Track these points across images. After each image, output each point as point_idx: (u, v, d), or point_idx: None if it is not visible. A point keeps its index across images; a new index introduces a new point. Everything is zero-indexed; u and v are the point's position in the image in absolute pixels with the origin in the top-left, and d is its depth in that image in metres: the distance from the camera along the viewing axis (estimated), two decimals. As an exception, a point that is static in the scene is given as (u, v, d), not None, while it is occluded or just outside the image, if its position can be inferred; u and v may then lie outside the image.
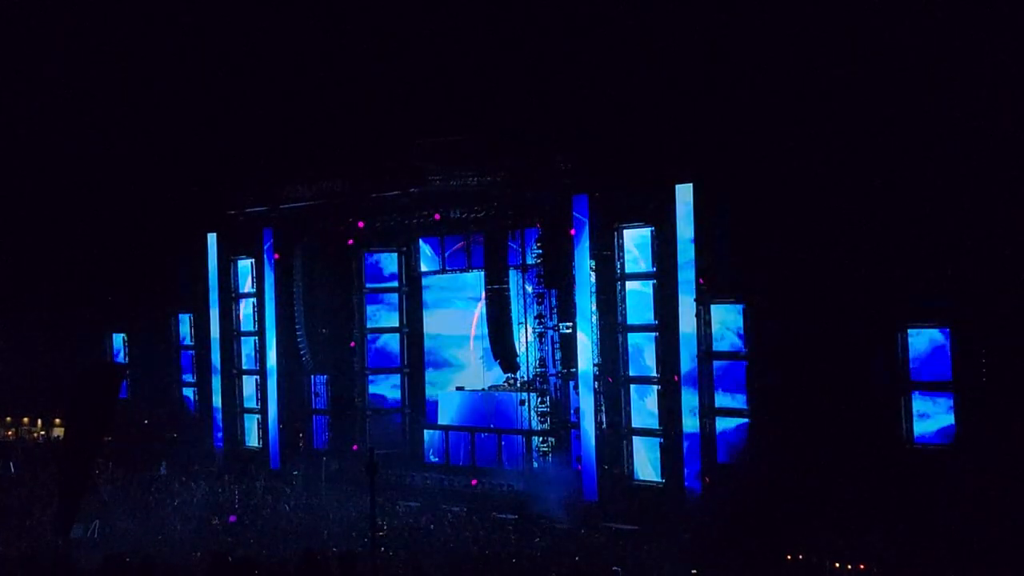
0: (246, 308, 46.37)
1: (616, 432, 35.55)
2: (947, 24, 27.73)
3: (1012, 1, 27.51)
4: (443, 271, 44.06)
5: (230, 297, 46.88)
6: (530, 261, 39.29)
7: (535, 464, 38.36)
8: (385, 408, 44.32)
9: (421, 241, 44.24)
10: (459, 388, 42.92)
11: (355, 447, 41.36)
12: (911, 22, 28.39)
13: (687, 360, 33.26)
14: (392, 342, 44.71)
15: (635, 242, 35.40)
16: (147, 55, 45.33)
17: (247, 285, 46.39)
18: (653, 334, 34.82)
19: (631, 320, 35.38)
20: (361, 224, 42.79)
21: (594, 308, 35.92)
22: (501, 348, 39.99)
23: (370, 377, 44.17)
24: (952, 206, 28.19)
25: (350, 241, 43.76)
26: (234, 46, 43.44)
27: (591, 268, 35.90)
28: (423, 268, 44.50)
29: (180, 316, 49.57)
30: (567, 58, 36.18)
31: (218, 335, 46.99)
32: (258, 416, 45.71)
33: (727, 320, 32.98)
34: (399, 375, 44.58)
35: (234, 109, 44.38)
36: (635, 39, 34.48)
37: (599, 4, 36.27)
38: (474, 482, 38.28)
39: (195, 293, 48.07)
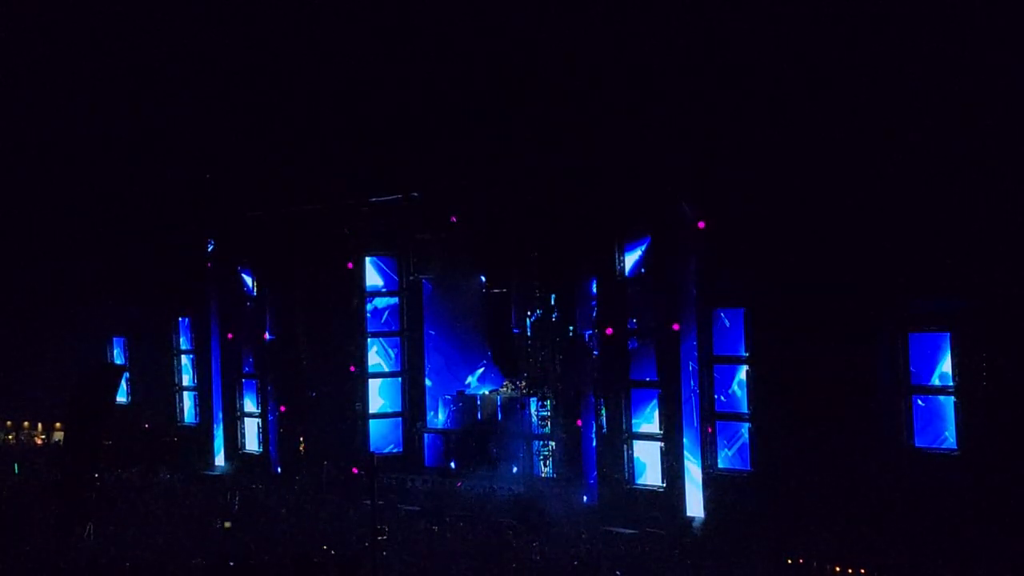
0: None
1: (616, 436, 35.44)
2: (947, 24, 27.69)
3: (1011, 1, 27.46)
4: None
5: (230, 302, 46.83)
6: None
7: (535, 468, 38.27)
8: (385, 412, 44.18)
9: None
10: (460, 391, 42.82)
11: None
12: (911, 24, 28.35)
13: (687, 364, 33.20)
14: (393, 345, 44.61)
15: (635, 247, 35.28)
16: (148, 59, 45.34)
17: (248, 290, 46.31)
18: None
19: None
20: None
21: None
22: (502, 351, 39.87)
23: (370, 379, 44.01)
24: (953, 208, 28.12)
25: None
26: (234, 51, 43.43)
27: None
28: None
29: (180, 320, 49.57)
30: (567, 59, 36.13)
31: (217, 340, 46.93)
32: (258, 420, 45.67)
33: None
34: (399, 379, 44.43)
35: (235, 113, 44.35)
36: (636, 40, 34.43)
37: (598, 9, 36.24)
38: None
39: (196, 298, 48.08)
